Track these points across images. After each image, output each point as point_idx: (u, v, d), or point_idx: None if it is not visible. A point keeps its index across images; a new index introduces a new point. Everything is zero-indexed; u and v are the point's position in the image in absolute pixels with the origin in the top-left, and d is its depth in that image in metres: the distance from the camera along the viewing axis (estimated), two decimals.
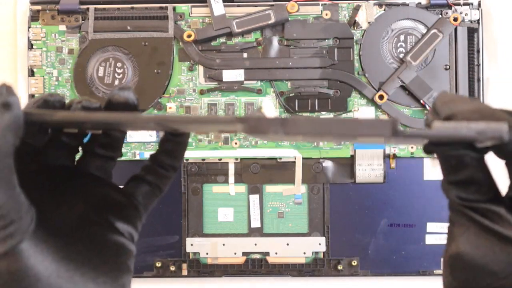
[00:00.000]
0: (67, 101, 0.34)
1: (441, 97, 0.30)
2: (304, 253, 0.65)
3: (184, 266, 0.65)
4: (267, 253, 0.65)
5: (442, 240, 0.65)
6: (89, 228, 0.32)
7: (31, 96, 0.65)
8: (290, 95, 0.65)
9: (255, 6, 0.65)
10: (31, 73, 0.65)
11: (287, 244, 0.65)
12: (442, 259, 0.62)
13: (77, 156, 0.36)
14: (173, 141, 0.35)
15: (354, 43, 0.65)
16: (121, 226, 0.34)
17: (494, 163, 0.30)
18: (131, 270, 0.34)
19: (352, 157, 0.65)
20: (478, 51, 0.64)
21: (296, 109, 0.65)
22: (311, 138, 0.30)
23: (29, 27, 0.65)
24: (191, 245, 0.65)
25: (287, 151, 0.65)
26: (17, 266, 0.28)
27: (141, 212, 0.35)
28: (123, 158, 0.64)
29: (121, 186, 0.35)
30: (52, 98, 0.33)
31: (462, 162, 0.29)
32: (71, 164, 0.35)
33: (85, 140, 0.36)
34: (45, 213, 0.31)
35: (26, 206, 0.29)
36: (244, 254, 0.65)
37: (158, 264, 0.65)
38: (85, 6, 0.65)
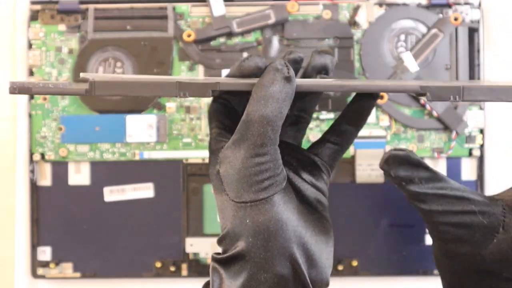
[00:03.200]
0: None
1: None
2: None
3: (184, 266, 0.65)
4: None
5: None
6: (294, 185, 0.38)
7: (31, 96, 0.65)
8: None
9: (255, 6, 0.65)
10: (31, 73, 0.65)
11: None
12: None
13: None
14: (357, 109, 0.41)
15: (355, 43, 0.65)
16: (313, 181, 0.39)
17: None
18: (331, 223, 0.39)
19: (352, 157, 0.65)
20: (479, 51, 0.64)
21: None
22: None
23: (28, 27, 0.65)
24: (191, 245, 0.64)
25: None
26: (273, 210, 0.34)
27: (327, 169, 0.41)
28: (122, 158, 0.64)
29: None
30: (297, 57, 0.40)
31: None
32: None
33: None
34: None
35: (282, 164, 0.35)
36: None
37: (158, 264, 0.65)
38: (84, 6, 0.65)
